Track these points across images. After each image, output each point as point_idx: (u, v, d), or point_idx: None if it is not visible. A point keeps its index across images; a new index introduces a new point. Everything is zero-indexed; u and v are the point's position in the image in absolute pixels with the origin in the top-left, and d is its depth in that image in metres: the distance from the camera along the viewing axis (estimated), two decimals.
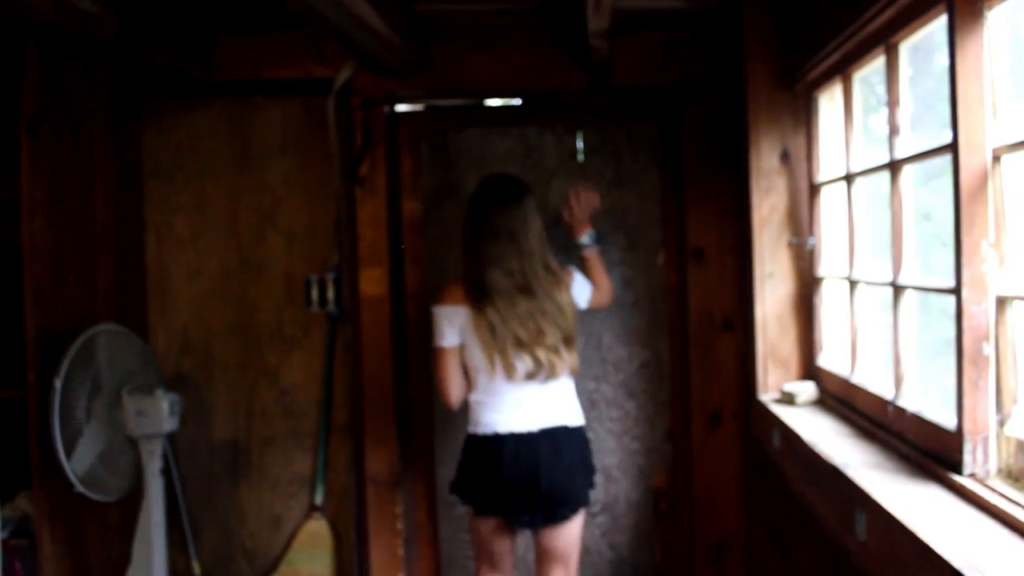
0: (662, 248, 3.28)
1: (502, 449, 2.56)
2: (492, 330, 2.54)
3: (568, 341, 2.61)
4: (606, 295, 2.89)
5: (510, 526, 2.65)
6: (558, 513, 2.61)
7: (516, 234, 2.58)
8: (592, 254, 2.88)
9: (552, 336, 2.57)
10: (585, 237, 2.89)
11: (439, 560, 3.39)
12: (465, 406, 2.71)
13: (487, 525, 2.67)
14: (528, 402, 2.60)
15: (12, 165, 2.58)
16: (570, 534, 2.68)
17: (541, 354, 2.55)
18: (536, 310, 2.56)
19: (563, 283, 2.65)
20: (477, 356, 2.59)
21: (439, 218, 3.32)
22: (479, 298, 2.57)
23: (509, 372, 2.56)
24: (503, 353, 2.55)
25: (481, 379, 2.62)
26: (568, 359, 2.61)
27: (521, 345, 2.55)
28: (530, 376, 2.57)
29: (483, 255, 2.58)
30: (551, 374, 2.59)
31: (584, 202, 2.90)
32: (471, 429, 2.66)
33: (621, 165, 3.29)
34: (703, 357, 3.08)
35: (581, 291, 2.75)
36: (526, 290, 2.57)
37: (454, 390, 2.65)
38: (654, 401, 3.32)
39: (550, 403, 2.62)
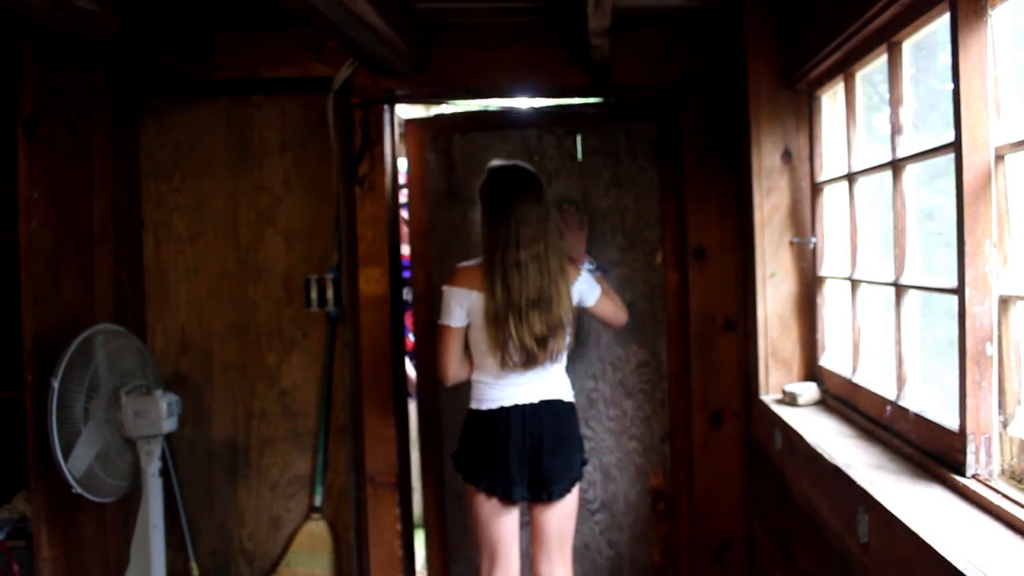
0: (660, 248, 3.27)
1: (509, 420, 2.64)
2: (500, 314, 2.59)
3: (559, 328, 2.64)
4: (621, 310, 2.88)
5: (513, 500, 2.67)
6: (559, 484, 2.67)
7: (542, 220, 2.64)
8: (598, 276, 2.89)
9: (542, 324, 2.60)
10: (587, 264, 2.90)
11: (447, 554, 3.41)
12: (466, 384, 2.76)
13: (490, 506, 2.68)
14: (529, 380, 2.67)
15: (10, 164, 2.57)
16: (568, 509, 2.73)
17: (528, 341, 2.59)
18: (543, 296, 2.60)
19: (567, 274, 2.68)
20: (483, 339, 2.65)
21: (445, 221, 3.35)
22: (500, 280, 2.60)
23: (509, 358, 2.62)
24: (508, 338, 2.60)
25: (486, 361, 2.68)
26: (555, 345, 2.64)
27: (521, 331, 2.59)
28: (527, 363, 2.63)
29: (511, 239, 2.60)
30: (543, 359, 2.64)
31: (583, 230, 3.01)
32: (475, 406, 2.71)
33: (620, 165, 3.29)
34: (704, 357, 3.06)
35: (589, 290, 2.77)
36: (540, 277, 2.61)
37: (452, 368, 2.72)
38: (651, 401, 3.31)
39: (547, 380, 2.70)
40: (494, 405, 2.67)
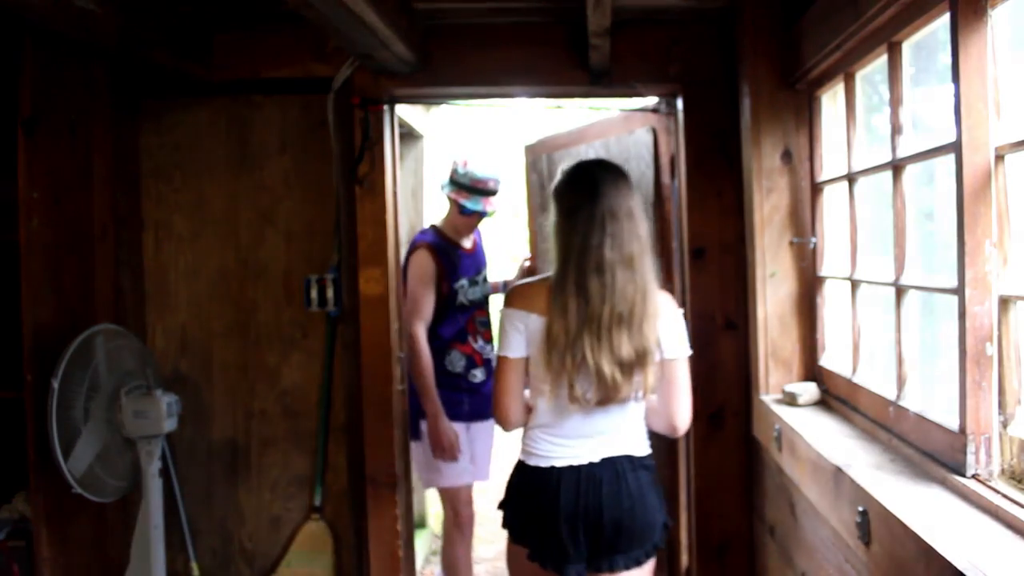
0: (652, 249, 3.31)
1: (559, 484, 2.14)
2: (569, 331, 2.07)
3: (648, 356, 2.11)
4: (690, 403, 2.25)
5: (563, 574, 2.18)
6: (625, 554, 2.16)
7: (635, 219, 2.11)
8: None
9: (630, 346, 2.07)
10: None
11: None
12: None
13: (532, 569, 2.23)
14: (591, 430, 2.17)
15: (10, 164, 2.57)
16: None
17: (607, 368, 2.06)
18: (634, 312, 2.08)
19: (658, 303, 2.14)
20: (542, 372, 2.14)
21: (541, 229, 3.59)
22: (574, 288, 2.07)
23: (581, 391, 2.10)
24: (579, 363, 2.07)
25: (541, 401, 2.18)
26: (643, 379, 2.11)
27: (599, 353, 2.06)
28: (600, 401, 2.10)
29: (592, 234, 2.07)
30: (627, 394, 2.11)
31: None
32: (522, 457, 2.24)
33: (630, 168, 3.32)
34: (704, 357, 3.05)
35: (683, 341, 2.21)
36: (632, 286, 2.07)
37: (513, 409, 2.20)
38: None
39: (615, 430, 2.18)
40: (543, 463, 2.17)
